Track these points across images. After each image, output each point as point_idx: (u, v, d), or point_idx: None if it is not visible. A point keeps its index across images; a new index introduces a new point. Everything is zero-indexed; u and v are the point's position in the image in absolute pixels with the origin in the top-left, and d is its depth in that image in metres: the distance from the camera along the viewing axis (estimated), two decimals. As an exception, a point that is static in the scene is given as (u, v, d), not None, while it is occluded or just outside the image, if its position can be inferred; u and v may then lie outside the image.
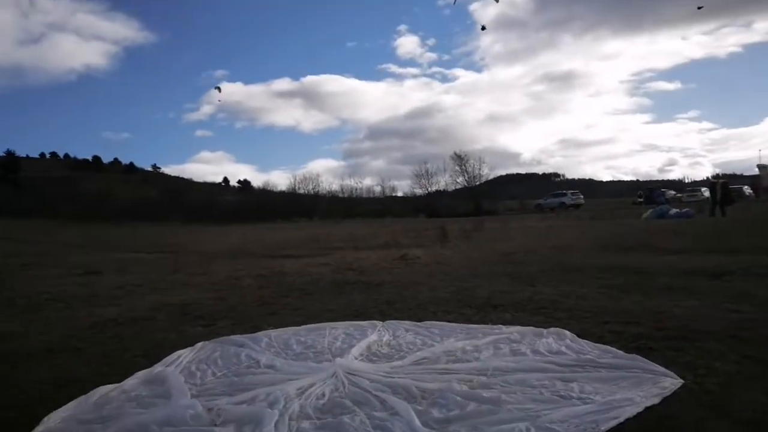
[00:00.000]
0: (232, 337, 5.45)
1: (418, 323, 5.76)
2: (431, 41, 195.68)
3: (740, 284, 7.12)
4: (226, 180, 77.86)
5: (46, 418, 3.45)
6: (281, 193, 67.24)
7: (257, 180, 74.31)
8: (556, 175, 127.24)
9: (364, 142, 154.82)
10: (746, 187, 51.92)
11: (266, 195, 67.72)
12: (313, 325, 5.89)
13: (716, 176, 38.79)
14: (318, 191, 66.75)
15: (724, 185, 26.87)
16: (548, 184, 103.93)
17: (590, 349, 4.41)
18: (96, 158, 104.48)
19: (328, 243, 19.50)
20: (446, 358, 4.48)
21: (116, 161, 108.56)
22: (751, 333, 4.65)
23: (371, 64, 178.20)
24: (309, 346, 5.13)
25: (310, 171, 74.92)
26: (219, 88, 52.22)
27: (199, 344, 5.20)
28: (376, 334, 5.38)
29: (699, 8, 23.05)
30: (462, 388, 3.62)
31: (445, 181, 61.73)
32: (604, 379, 3.67)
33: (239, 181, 76.05)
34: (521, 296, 7.10)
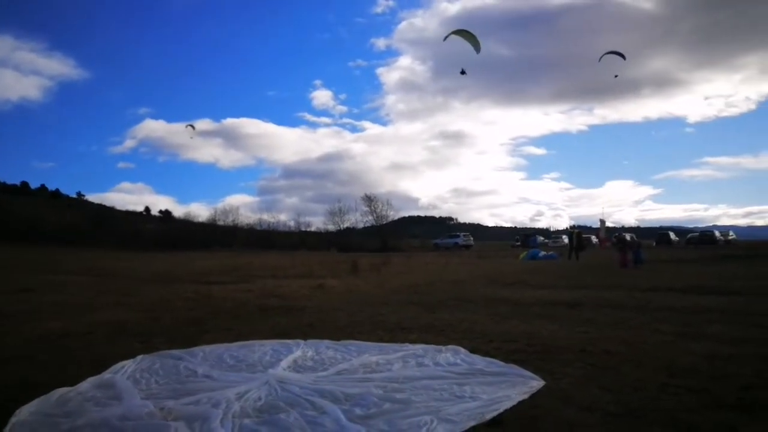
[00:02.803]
0: (170, 351, 5.45)
1: (337, 342, 5.95)
2: (343, 96, 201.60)
3: (588, 313, 8.02)
4: (147, 209, 73.50)
5: (17, 411, 3.53)
6: (202, 224, 64.30)
7: (177, 211, 70.32)
8: (450, 218, 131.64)
9: (279, 180, 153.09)
10: (594, 236, 56.26)
11: (187, 225, 64.53)
12: (243, 342, 5.94)
13: (572, 227, 42.19)
14: (237, 223, 64.69)
15: (578, 235, 29.41)
16: (444, 226, 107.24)
17: (479, 361, 4.88)
18: (24, 183, 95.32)
19: (249, 271, 19.16)
20: (363, 369, 4.75)
21: (43, 187, 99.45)
22: (593, 348, 5.39)
23: (288, 111, 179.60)
24: (241, 359, 5.20)
25: (229, 204, 72.01)
26: (193, 126, 49.36)
27: (140, 357, 5.17)
28: (301, 350, 5.52)
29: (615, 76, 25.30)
30: (378, 392, 3.93)
31: (355, 219, 62.26)
32: (489, 383, 4.15)
33: (161, 211, 71.87)
34: (425, 321, 7.59)
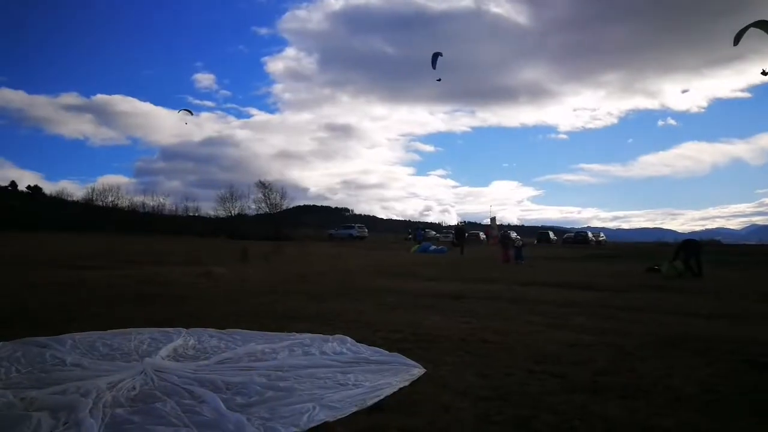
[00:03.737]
0: (35, 338, 5.02)
1: (222, 330, 5.81)
2: (227, 80, 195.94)
3: (470, 304, 8.56)
4: (13, 184, 65.13)
5: None
6: (76, 203, 58.46)
7: (47, 188, 63.07)
8: (346, 209, 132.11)
9: (158, 162, 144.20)
10: (481, 233, 59.79)
11: (60, 204, 58.32)
12: (118, 330, 5.61)
13: (459, 223, 44.58)
14: (117, 204, 59.66)
15: (461, 229, 31.56)
16: (339, 216, 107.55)
17: (365, 350, 5.03)
18: None
19: (128, 256, 17.96)
20: (248, 358, 4.71)
21: None
22: (473, 337, 5.78)
23: (168, 92, 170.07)
24: (115, 348, 4.93)
25: (108, 183, 65.93)
26: (190, 111, 42.54)
27: None
28: (182, 339, 5.33)
29: (438, 80, 26.86)
30: (262, 381, 3.92)
31: (248, 206, 60.27)
32: (373, 371, 4.30)
33: (29, 187, 64.06)
34: (313, 310, 7.63)
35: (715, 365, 4.59)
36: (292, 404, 3.45)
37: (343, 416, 3.27)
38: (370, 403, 3.53)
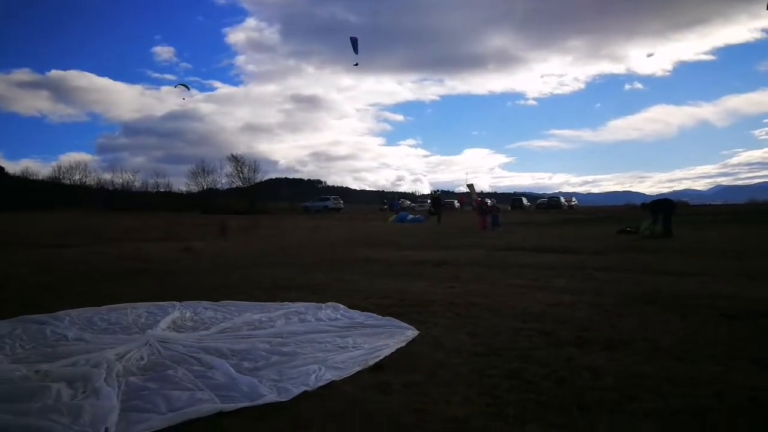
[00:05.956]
0: (31, 316, 5.07)
1: (215, 302, 5.94)
2: (187, 53, 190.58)
3: (453, 270, 8.86)
4: None
5: None
6: (43, 182, 56.84)
7: (8, 168, 60.90)
8: (319, 181, 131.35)
9: (120, 138, 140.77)
10: (456, 201, 60.56)
11: (25, 183, 56.56)
12: (113, 306, 5.67)
13: (435, 192, 45.03)
14: (85, 182, 58.19)
15: (438, 198, 32.00)
16: (312, 189, 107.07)
17: (358, 316, 5.26)
18: None
19: (104, 233, 17.75)
20: (247, 327, 4.87)
21: None
22: (460, 300, 6.06)
23: (126, 66, 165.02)
24: (113, 322, 5.00)
25: (75, 161, 63.94)
26: (187, 86, 39.85)
27: None
28: (178, 311, 5.44)
29: (355, 64, 26.89)
30: (265, 347, 4.11)
31: (220, 180, 59.55)
32: (369, 334, 4.52)
33: None
34: (301, 281, 7.80)
35: (688, 319, 4.95)
36: (297, 366, 3.64)
37: (348, 375, 3.48)
38: (371, 363, 3.75)
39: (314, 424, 2.75)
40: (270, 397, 3.05)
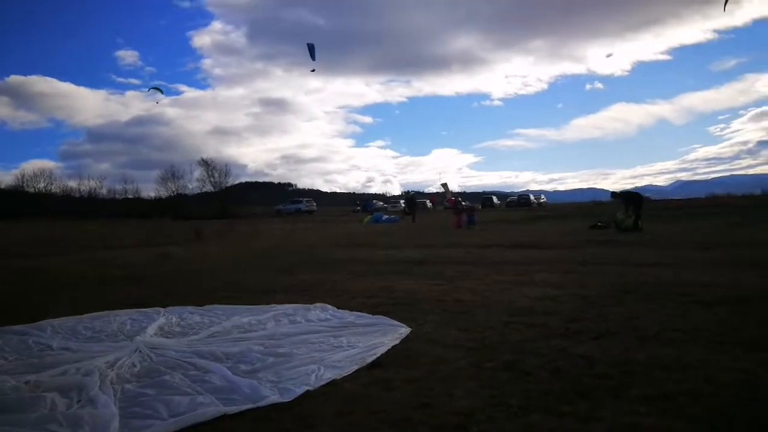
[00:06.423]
0: (10, 327, 4.90)
1: (201, 307, 5.84)
2: (151, 57, 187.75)
3: (436, 268, 8.91)
4: None
5: None
6: (5, 191, 54.91)
7: None
8: (289, 184, 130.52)
9: (84, 145, 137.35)
10: (428, 201, 60.97)
11: None
12: (95, 313, 5.53)
13: (407, 192, 45.36)
14: (50, 190, 56.47)
15: (412, 198, 32.31)
16: (283, 192, 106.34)
17: (348, 315, 5.25)
18: None
19: (75, 242, 17.23)
20: (237, 330, 4.80)
21: None
22: (447, 297, 6.10)
23: (89, 71, 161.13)
24: (98, 330, 4.87)
25: (34, 168, 62.18)
26: (160, 90, 37.78)
27: None
28: (164, 317, 5.33)
29: (312, 71, 26.99)
30: (259, 349, 4.06)
31: (188, 185, 58.61)
32: (362, 333, 4.51)
33: None
34: (285, 283, 7.74)
35: (669, 306, 5.11)
36: (295, 367, 3.62)
37: (348, 374, 3.48)
38: (369, 360, 3.75)
39: (321, 422, 2.74)
40: (273, 398, 3.03)
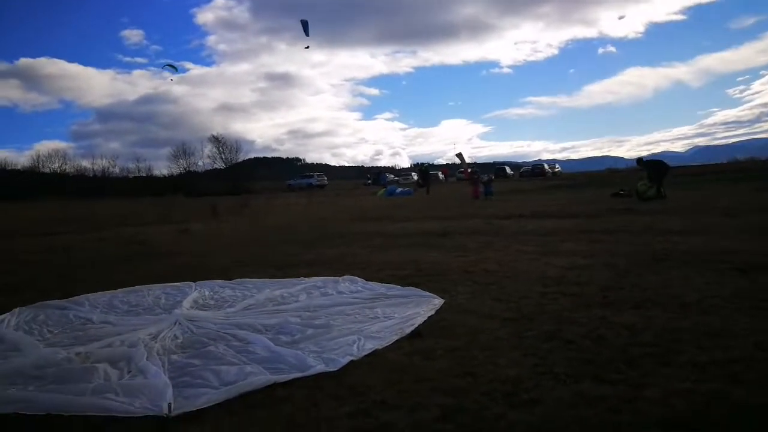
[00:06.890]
0: (50, 301, 4.98)
1: (231, 281, 5.87)
2: (157, 35, 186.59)
3: (458, 240, 8.89)
4: None
5: None
6: (21, 172, 55.76)
7: None
8: (298, 159, 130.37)
9: (94, 124, 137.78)
10: (440, 173, 60.60)
11: (4, 173, 55.30)
12: (129, 288, 5.59)
13: (421, 164, 45.07)
14: (65, 170, 57.19)
15: (426, 170, 32.08)
16: (293, 167, 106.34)
17: (378, 287, 5.25)
18: None
19: (95, 220, 17.43)
20: (271, 303, 4.85)
21: None
22: (473, 268, 6.10)
23: (96, 51, 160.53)
24: (135, 305, 4.95)
25: (49, 149, 62.78)
26: (174, 67, 37.32)
27: (17, 309, 4.68)
28: (196, 291, 5.38)
29: (306, 47, 26.56)
30: (296, 320, 4.10)
31: (198, 162, 58.92)
32: (396, 304, 4.52)
33: None
34: (309, 256, 7.78)
35: (705, 275, 5.06)
36: (335, 338, 3.64)
37: (389, 344, 3.50)
38: (407, 331, 3.77)
39: (371, 391, 2.76)
40: (319, 367, 3.06)
